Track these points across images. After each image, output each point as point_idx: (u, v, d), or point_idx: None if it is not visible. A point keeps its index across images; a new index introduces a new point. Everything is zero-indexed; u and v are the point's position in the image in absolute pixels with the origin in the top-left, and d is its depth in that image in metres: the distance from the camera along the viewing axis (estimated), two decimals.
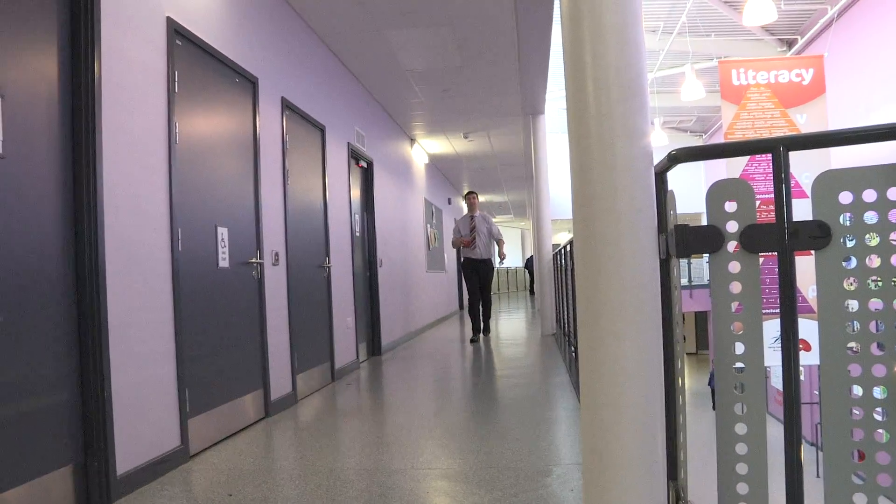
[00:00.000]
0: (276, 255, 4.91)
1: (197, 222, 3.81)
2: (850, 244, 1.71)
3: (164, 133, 3.47)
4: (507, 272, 34.46)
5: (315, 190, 5.96)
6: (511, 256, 35.80)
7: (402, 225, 9.90)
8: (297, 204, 5.39)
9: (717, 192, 1.90)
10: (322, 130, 6.14)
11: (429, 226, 12.37)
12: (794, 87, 9.96)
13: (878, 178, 1.80)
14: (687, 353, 25.48)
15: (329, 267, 6.15)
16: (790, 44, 13.12)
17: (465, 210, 9.80)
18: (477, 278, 9.15)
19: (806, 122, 9.65)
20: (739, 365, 1.76)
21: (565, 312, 6.91)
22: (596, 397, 1.98)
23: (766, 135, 9.49)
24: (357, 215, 7.50)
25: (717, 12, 11.78)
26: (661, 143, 17.00)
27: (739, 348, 1.76)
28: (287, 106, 5.24)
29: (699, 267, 21.99)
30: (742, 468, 1.72)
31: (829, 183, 1.79)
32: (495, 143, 11.62)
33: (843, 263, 1.71)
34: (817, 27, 11.72)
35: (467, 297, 9.33)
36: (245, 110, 4.54)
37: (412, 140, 10.94)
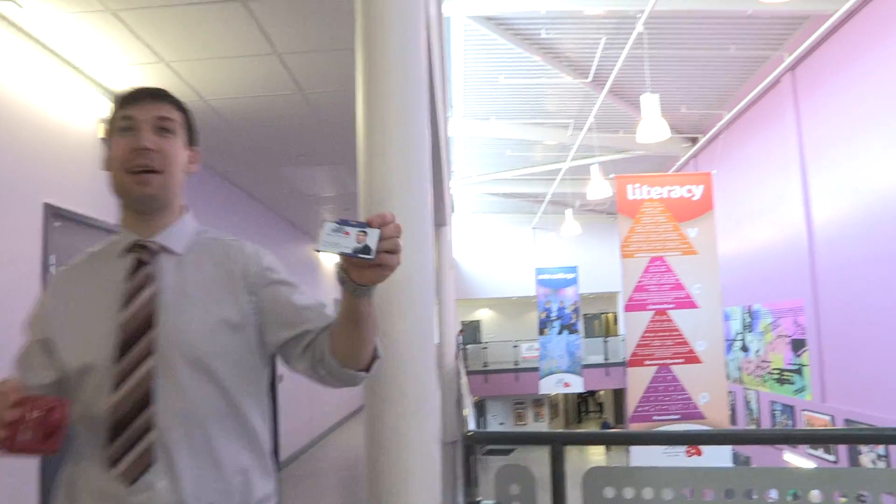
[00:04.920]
0: None
1: None
2: None
3: None
4: None
5: None
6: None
7: None
8: None
9: (505, 475, 2.12)
10: None
11: None
12: (685, 202, 10.46)
13: (638, 479, 2.04)
14: (610, 429, 25.67)
15: None
16: (693, 140, 14.06)
17: None
18: None
19: (697, 235, 10.20)
20: None
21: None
22: None
23: (659, 248, 10.01)
24: None
25: (623, 112, 12.52)
26: (574, 232, 17.55)
27: None
28: None
29: (615, 345, 22.63)
30: None
31: (597, 477, 2.03)
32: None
33: None
34: (715, 129, 12.63)
35: None
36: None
37: None
